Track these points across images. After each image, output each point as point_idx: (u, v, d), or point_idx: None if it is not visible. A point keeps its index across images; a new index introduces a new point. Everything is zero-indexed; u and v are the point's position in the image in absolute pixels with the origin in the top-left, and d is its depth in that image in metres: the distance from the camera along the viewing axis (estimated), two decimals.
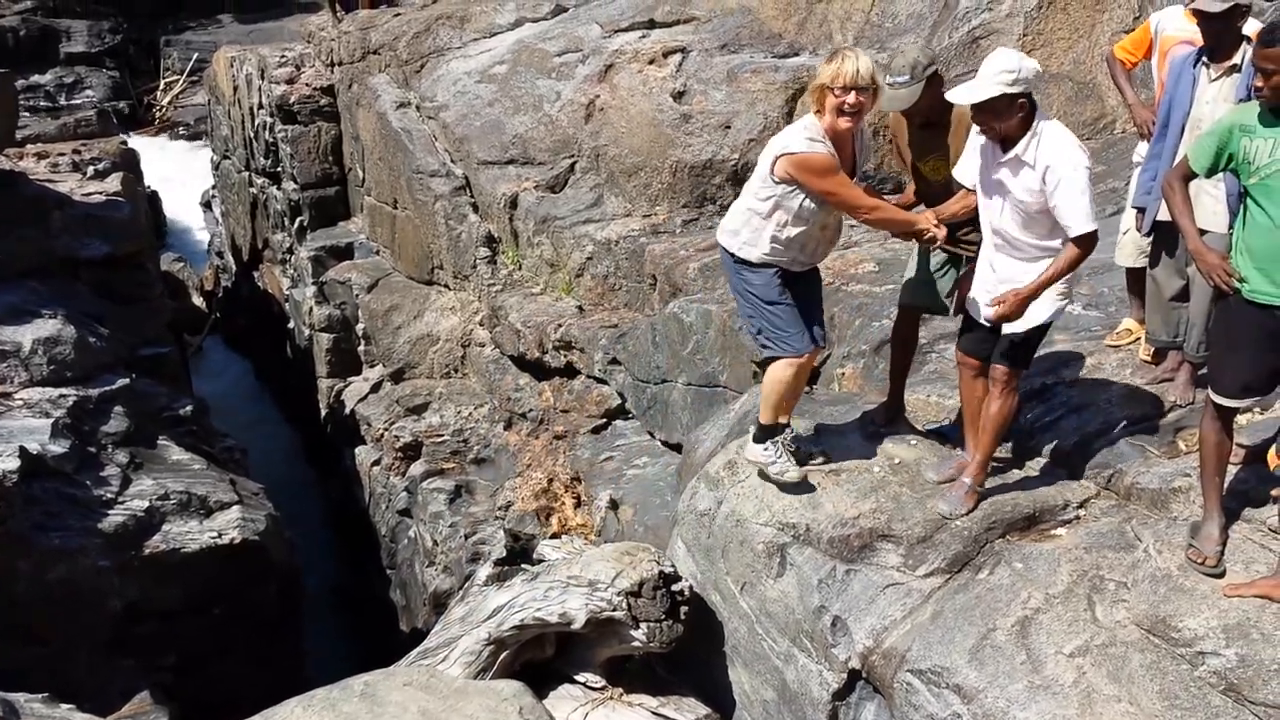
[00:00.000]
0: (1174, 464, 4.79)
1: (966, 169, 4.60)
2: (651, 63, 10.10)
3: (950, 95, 4.34)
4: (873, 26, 10.20)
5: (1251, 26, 4.98)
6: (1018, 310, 4.38)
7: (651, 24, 10.67)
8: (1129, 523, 4.58)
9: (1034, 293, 4.36)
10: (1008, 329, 4.49)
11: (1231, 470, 4.44)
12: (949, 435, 5.39)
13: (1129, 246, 5.57)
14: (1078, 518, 4.71)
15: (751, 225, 4.71)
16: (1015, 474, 5.04)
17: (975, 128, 4.43)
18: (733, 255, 4.77)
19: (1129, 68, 5.91)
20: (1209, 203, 4.83)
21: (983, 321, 4.60)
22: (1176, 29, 5.49)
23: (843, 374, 6.59)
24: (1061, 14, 9.81)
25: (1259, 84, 3.89)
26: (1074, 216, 4.22)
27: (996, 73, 4.15)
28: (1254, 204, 4.00)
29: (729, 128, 9.43)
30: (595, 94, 9.96)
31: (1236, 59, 4.88)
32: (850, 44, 6.85)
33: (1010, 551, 4.50)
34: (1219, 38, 4.87)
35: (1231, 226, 4.45)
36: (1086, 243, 4.27)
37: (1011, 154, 4.29)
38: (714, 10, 10.55)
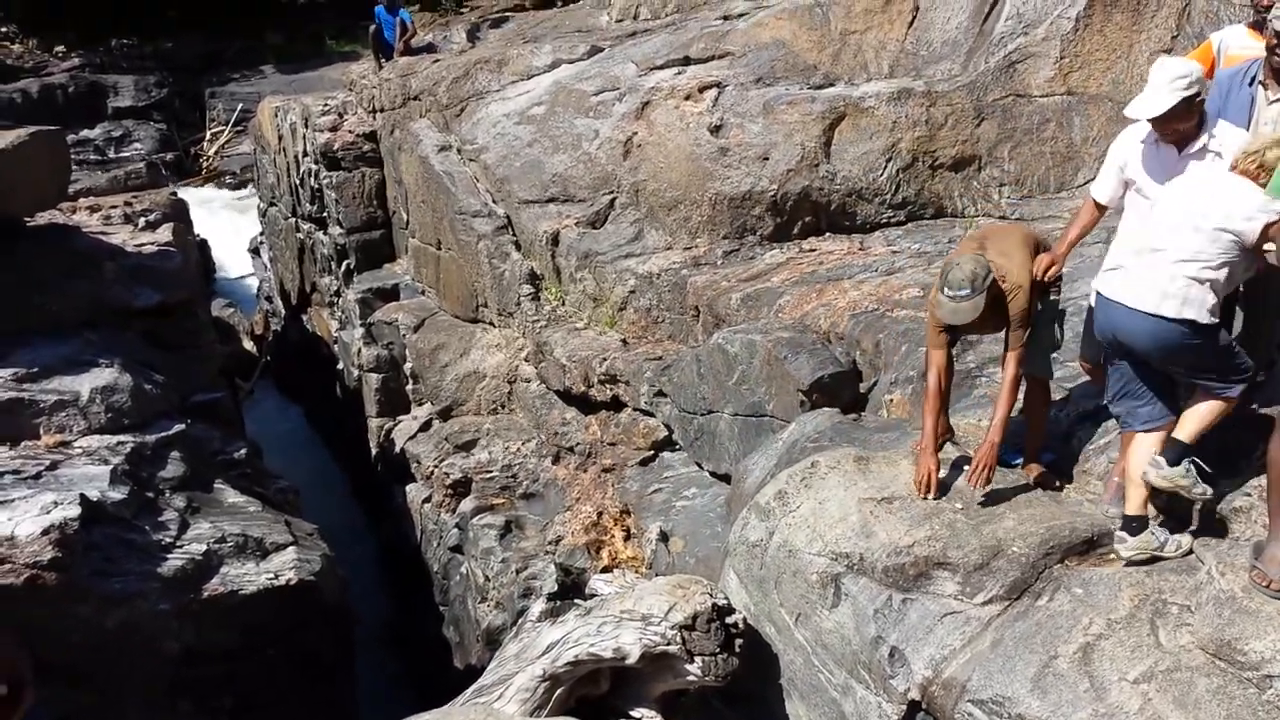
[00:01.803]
0: (1233, 482, 4.72)
1: (1104, 183, 4.75)
2: (688, 98, 10.19)
3: (1130, 111, 4.47)
4: (907, 55, 10.23)
5: None
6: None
7: (686, 60, 10.76)
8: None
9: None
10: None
11: None
12: (1002, 460, 5.35)
13: None
14: None
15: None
16: (1073, 496, 4.99)
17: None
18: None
19: None
20: None
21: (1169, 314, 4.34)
22: (1241, 47, 5.49)
23: (890, 400, 6.57)
24: (1098, 35, 9.79)
25: None
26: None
27: (1171, 81, 4.29)
28: None
29: (767, 159, 9.48)
30: (633, 131, 10.06)
31: None
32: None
33: (1069, 577, 4.45)
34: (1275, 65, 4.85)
35: None
36: None
37: (1198, 146, 4.41)
38: (748, 45, 10.62)
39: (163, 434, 8.77)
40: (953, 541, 4.64)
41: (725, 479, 7.15)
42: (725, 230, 9.29)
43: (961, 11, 10.28)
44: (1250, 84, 4.95)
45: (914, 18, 10.42)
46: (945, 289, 4.67)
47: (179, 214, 14.54)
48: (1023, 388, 5.12)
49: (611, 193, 9.77)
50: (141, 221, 13.42)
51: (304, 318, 15.47)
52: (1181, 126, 4.39)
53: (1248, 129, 4.93)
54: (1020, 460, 5.19)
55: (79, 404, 8.71)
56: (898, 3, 10.50)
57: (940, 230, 9.09)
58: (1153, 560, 4.38)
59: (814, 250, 9.04)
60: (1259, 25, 5.57)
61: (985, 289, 4.62)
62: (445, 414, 10.21)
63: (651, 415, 8.18)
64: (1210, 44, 5.87)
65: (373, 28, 16.57)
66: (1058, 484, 5.03)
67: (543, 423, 9.29)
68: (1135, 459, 4.46)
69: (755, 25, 10.89)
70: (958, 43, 10.14)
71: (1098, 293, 4.52)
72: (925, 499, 4.89)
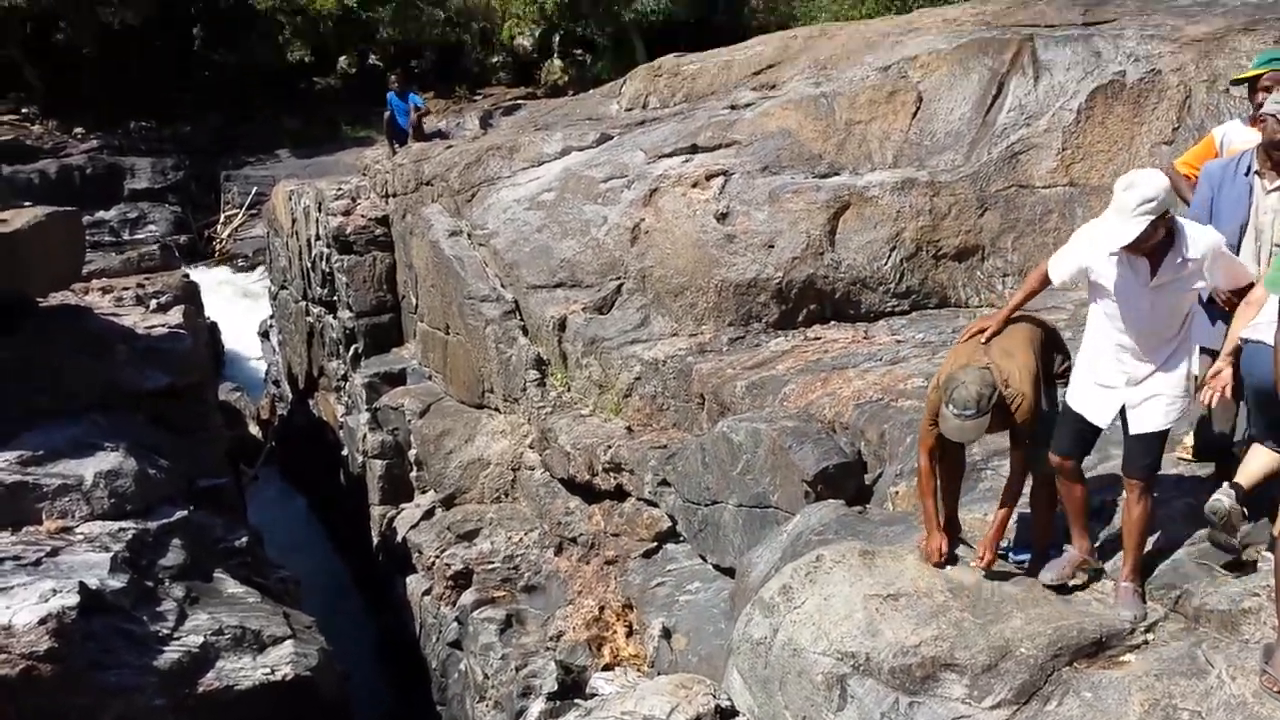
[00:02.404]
0: (1242, 583, 4.65)
1: (1064, 268, 4.71)
2: (695, 186, 10.30)
3: (1103, 240, 4.44)
4: (911, 145, 10.36)
5: None
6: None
7: (694, 149, 10.91)
8: (1199, 646, 4.44)
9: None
10: (1148, 429, 4.61)
11: None
12: (1010, 555, 5.29)
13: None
14: (1146, 642, 4.57)
15: None
16: (1080, 596, 4.91)
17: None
18: None
19: (1193, 181, 5.96)
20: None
21: (1157, 428, 4.63)
22: (1244, 141, 5.51)
23: (896, 492, 6.51)
24: (1100, 128, 9.90)
25: None
26: (1239, 271, 4.65)
27: (1136, 207, 4.27)
28: None
29: (772, 247, 9.54)
30: (640, 217, 10.16)
31: None
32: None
33: (1078, 680, 4.36)
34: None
35: None
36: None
37: (1177, 258, 4.44)
38: (754, 134, 10.77)
39: (165, 520, 8.73)
40: (960, 641, 4.55)
41: (729, 572, 7.05)
42: (731, 317, 9.32)
43: (964, 103, 10.43)
44: (1246, 174, 4.99)
45: (917, 109, 10.57)
46: (951, 407, 4.65)
47: (190, 296, 14.69)
48: (1029, 484, 5.09)
49: (619, 278, 9.83)
50: (153, 303, 13.55)
51: (310, 402, 15.50)
52: (1148, 246, 4.40)
53: (1245, 219, 4.96)
54: (1028, 558, 5.12)
55: (83, 488, 8.69)
56: (901, 94, 10.66)
57: (944, 320, 9.10)
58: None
59: (819, 338, 9.04)
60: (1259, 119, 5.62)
61: (991, 409, 4.62)
62: (448, 502, 10.16)
63: (655, 505, 8.11)
64: (1212, 138, 5.92)
65: (386, 114, 16.93)
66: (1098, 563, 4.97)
67: (546, 512, 9.22)
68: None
69: (761, 115, 11.06)
70: (961, 134, 10.27)
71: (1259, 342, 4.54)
72: (941, 566, 5.01)
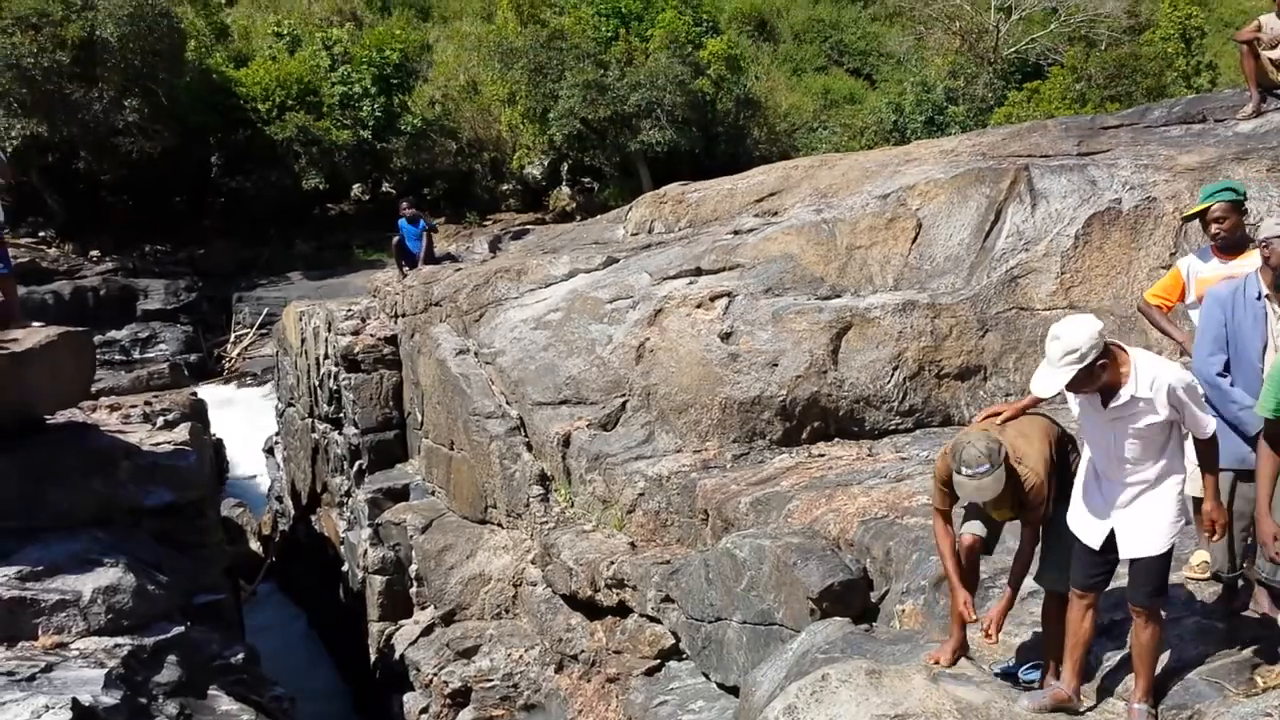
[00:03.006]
0: (1254, 703, 4.58)
1: (1042, 386, 4.61)
2: (699, 306, 10.47)
3: (1038, 389, 4.53)
4: (911, 269, 10.56)
5: None
6: (1221, 512, 4.68)
7: (698, 271, 11.12)
8: None
9: (1211, 496, 4.67)
10: (1140, 553, 4.59)
11: None
12: (1018, 676, 5.21)
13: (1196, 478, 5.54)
14: None
15: None
16: (1090, 717, 4.83)
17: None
18: None
19: (1166, 310, 6.11)
20: None
21: (1147, 554, 4.62)
22: (1213, 270, 5.66)
23: (903, 610, 6.44)
24: (1097, 253, 10.11)
25: None
26: (1202, 420, 4.51)
27: (1060, 358, 4.35)
28: None
29: (776, 365, 9.64)
30: (645, 336, 10.30)
31: None
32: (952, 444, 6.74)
33: None
34: None
35: None
36: (1213, 442, 4.57)
37: (1125, 395, 4.45)
38: (757, 257, 11.00)
39: (161, 636, 8.61)
40: None
41: (734, 691, 6.93)
42: (735, 434, 9.36)
43: (963, 229, 10.66)
44: (1258, 299, 5.08)
45: (917, 234, 10.81)
46: (963, 469, 4.68)
47: (197, 414, 14.78)
48: (1039, 600, 5.06)
49: (623, 396, 9.91)
50: (160, 420, 13.64)
51: (313, 519, 15.44)
52: (1089, 387, 4.47)
53: (1264, 344, 5.02)
54: (1037, 676, 5.05)
55: (80, 604, 8.61)
56: (901, 221, 10.92)
57: (948, 438, 9.07)
58: None
59: (823, 455, 9.07)
60: (1226, 248, 5.79)
61: (1004, 462, 4.64)
62: (448, 618, 10.03)
63: (658, 622, 8.01)
64: (1178, 271, 6.09)
65: (395, 239, 17.28)
66: (1078, 705, 4.86)
67: (547, 628, 9.10)
68: None
69: (764, 240, 11.30)
70: (960, 258, 10.48)
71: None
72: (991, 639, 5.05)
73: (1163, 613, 4.73)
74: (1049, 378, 4.42)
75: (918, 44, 33.97)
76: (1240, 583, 5.29)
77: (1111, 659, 5.09)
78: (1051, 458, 4.85)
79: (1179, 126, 11.77)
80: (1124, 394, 4.45)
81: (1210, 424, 4.54)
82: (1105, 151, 11.28)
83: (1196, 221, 6.12)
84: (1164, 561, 4.64)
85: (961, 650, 5.30)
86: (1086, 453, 4.81)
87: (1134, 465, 4.57)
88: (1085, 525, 4.75)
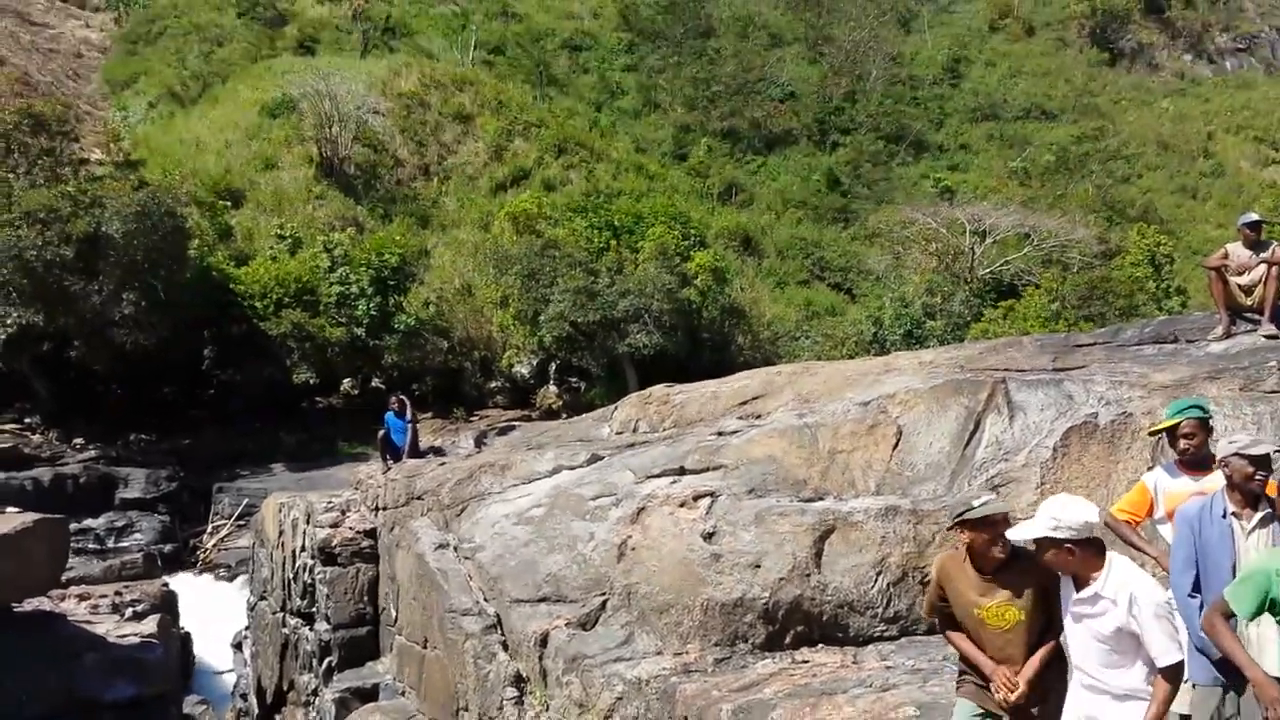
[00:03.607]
0: None
1: (1017, 531, 4.78)
2: (682, 505, 10.48)
3: (1010, 532, 4.71)
4: (893, 475, 10.66)
5: None
6: None
7: (682, 470, 11.19)
8: None
9: None
10: None
11: None
12: None
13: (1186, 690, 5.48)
14: None
15: None
16: None
17: None
18: None
19: (1135, 525, 6.20)
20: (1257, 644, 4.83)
21: None
22: (1181, 486, 5.80)
23: None
24: (1076, 464, 10.24)
25: None
26: (1162, 645, 4.38)
27: (1046, 517, 4.55)
28: None
29: (759, 567, 9.58)
30: (627, 534, 10.26)
31: (1265, 510, 5.11)
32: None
33: None
34: (1260, 486, 5.13)
35: None
36: (1175, 674, 4.40)
37: (1090, 591, 4.52)
38: (741, 459, 11.09)
39: None
40: None
41: None
42: (717, 636, 9.19)
43: (943, 437, 10.83)
44: (1223, 516, 5.17)
45: (898, 441, 10.96)
46: (966, 509, 4.82)
47: (168, 606, 14.52)
48: None
49: (604, 594, 9.78)
50: (129, 611, 13.38)
51: (277, 718, 14.85)
52: (1056, 560, 4.57)
53: (1232, 562, 5.07)
54: None
55: None
56: (881, 427, 11.09)
57: (934, 647, 8.98)
58: None
59: (807, 661, 8.89)
60: (1194, 464, 5.93)
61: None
62: None
63: None
64: (1144, 485, 6.21)
65: (381, 432, 17.43)
66: None
67: None
68: None
69: (748, 442, 11.43)
70: (941, 465, 10.60)
71: None
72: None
73: None
74: (1023, 527, 4.60)
75: (896, 263, 35.34)
76: None
77: None
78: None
79: (1152, 346, 12.15)
80: (1091, 590, 4.52)
81: (1170, 656, 4.40)
82: (1080, 368, 11.59)
83: (1164, 437, 6.29)
84: None
85: None
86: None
87: (1103, 670, 4.54)
88: None
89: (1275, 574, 4.17)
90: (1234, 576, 5.00)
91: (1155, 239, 29.81)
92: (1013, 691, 4.73)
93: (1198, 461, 5.90)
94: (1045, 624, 4.86)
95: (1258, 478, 5.10)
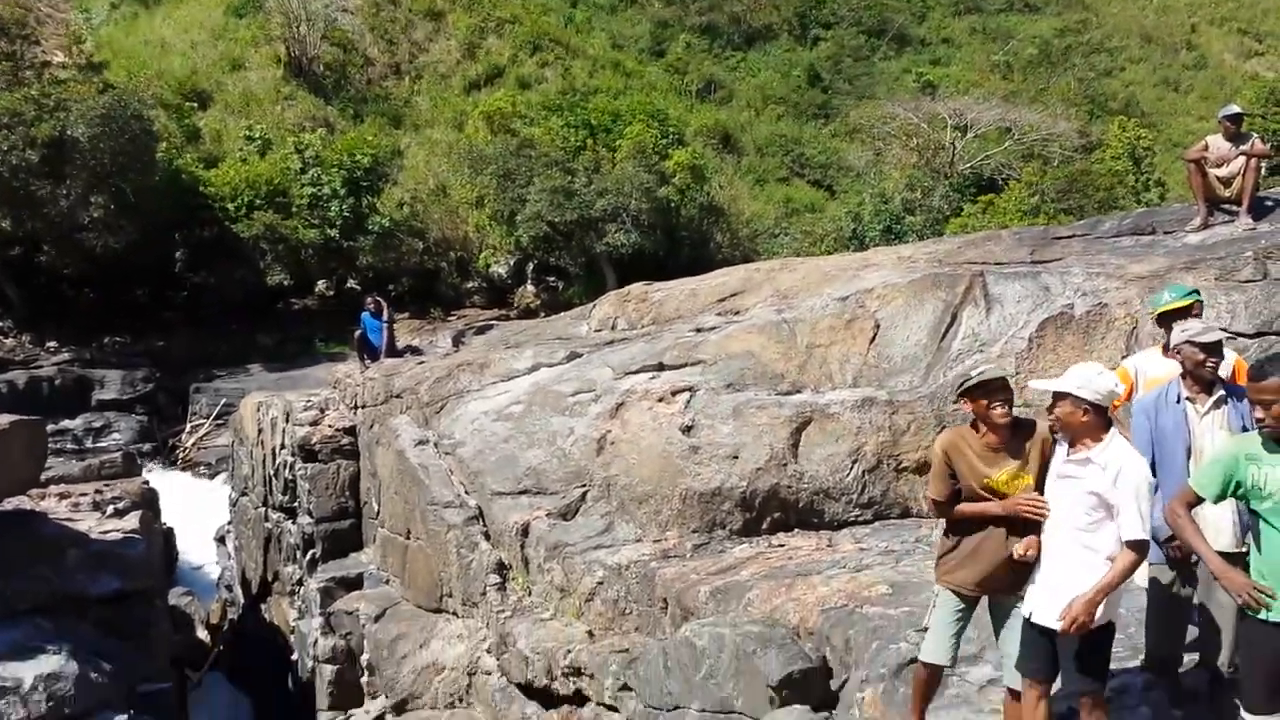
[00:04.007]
0: None
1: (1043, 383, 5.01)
2: (660, 400, 10.55)
3: (1035, 382, 5.09)
4: (870, 367, 10.74)
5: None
6: (1088, 613, 4.51)
7: (661, 366, 11.24)
8: None
9: (1096, 596, 4.51)
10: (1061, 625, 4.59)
11: None
12: None
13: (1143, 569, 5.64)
14: None
15: None
16: None
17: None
18: None
19: (1113, 410, 6.25)
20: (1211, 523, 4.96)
21: (1052, 625, 4.67)
22: (1163, 371, 5.84)
23: (862, 699, 6.40)
24: (1051, 354, 10.34)
25: (1260, 415, 4.16)
26: (1133, 521, 4.51)
27: (1076, 376, 4.72)
28: (1269, 527, 4.16)
29: (736, 458, 9.70)
30: (607, 429, 10.34)
31: (1219, 392, 5.20)
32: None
33: None
34: (1211, 373, 5.21)
35: (1244, 546, 4.62)
36: (1140, 548, 4.53)
37: (1083, 454, 4.65)
38: (719, 354, 11.15)
39: None
40: None
41: None
42: (695, 524, 9.36)
43: (920, 330, 10.89)
44: (1178, 402, 5.27)
45: (875, 335, 11.02)
46: (967, 378, 5.00)
47: (148, 502, 14.56)
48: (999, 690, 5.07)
49: (584, 486, 9.91)
50: (110, 509, 13.41)
51: (263, 608, 15.12)
52: (1067, 417, 4.69)
53: (1187, 447, 5.18)
54: None
55: (20, 691, 8.42)
56: (859, 321, 11.14)
57: (907, 530, 9.19)
58: None
59: (783, 545, 9.07)
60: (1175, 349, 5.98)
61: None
62: (400, 708, 9.80)
63: (616, 710, 7.88)
64: (1126, 370, 6.26)
65: (358, 332, 17.36)
66: None
67: (502, 718, 8.91)
68: None
69: (726, 337, 11.48)
70: (917, 358, 10.68)
71: None
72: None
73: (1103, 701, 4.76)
74: (1050, 380, 4.84)
75: (876, 159, 35.08)
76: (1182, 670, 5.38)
77: None
78: None
79: (1129, 238, 12.19)
80: (1085, 453, 4.65)
81: (1136, 531, 4.51)
82: (1058, 260, 11.64)
83: (1153, 325, 6.31)
84: (1097, 642, 4.67)
85: None
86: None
87: (1080, 532, 4.64)
88: (1028, 600, 4.83)
89: (1244, 458, 4.25)
90: (1188, 459, 5.13)
91: (1135, 132, 29.67)
92: (1026, 549, 4.83)
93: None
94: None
95: (1209, 364, 5.20)
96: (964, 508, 5.05)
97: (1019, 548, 4.80)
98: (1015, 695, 5.08)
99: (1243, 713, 4.17)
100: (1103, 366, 4.91)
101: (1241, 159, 11.16)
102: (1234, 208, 11.40)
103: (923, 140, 33.07)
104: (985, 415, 4.96)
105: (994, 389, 4.93)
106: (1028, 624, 4.83)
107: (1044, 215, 22.47)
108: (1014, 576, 4.97)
